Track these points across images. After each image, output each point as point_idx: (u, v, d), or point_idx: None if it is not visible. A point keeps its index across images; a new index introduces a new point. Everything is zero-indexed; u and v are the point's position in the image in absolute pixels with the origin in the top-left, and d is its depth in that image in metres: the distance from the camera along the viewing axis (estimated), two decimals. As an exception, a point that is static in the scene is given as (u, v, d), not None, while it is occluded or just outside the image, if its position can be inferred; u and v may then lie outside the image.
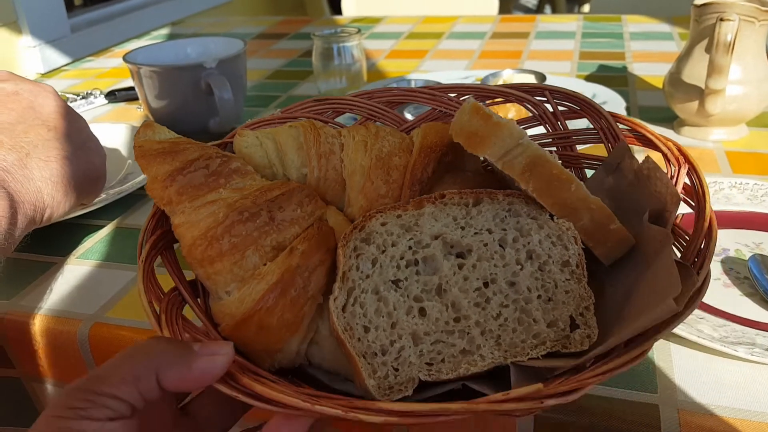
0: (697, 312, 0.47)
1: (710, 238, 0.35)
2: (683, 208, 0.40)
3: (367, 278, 0.36)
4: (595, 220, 0.39)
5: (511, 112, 0.73)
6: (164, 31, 1.57)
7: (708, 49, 0.70)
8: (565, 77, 0.97)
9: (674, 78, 0.75)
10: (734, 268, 0.53)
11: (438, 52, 1.22)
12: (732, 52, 0.66)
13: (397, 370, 0.35)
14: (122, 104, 1.04)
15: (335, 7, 2.59)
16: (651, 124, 0.80)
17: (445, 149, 0.44)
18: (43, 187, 0.53)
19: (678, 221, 0.39)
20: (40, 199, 0.53)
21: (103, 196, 0.67)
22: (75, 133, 0.58)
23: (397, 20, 1.49)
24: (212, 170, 0.40)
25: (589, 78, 0.99)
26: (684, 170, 0.40)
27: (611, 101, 0.86)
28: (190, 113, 0.84)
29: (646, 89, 0.94)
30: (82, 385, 0.30)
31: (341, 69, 0.93)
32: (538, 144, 0.40)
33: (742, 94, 0.71)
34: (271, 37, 1.44)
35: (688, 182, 0.41)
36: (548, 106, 0.49)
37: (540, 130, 0.50)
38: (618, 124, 0.46)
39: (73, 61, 1.41)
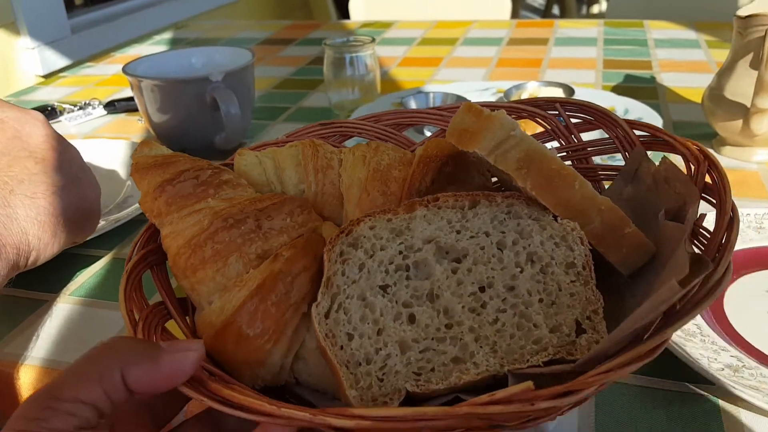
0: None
1: (731, 231, 0.32)
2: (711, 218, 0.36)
3: (353, 284, 0.34)
4: (606, 222, 0.35)
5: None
6: (167, 35, 1.48)
7: (754, 64, 0.66)
8: (591, 89, 0.93)
9: (715, 94, 0.71)
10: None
11: (453, 59, 1.17)
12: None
13: (381, 380, 0.31)
14: (122, 115, 0.97)
15: (340, 5, 2.42)
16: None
17: (445, 159, 0.42)
18: (29, 227, 0.48)
19: (701, 222, 0.35)
20: (25, 241, 0.48)
21: (102, 222, 0.61)
22: (66, 165, 0.52)
23: (409, 25, 1.44)
24: (202, 180, 0.39)
25: (617, 89, 0.94)
26: (704, 167, 0.37)
27: (647, 118, 0.78)
28: (195, 128, 0.79)
29: (678, 102, 0.89)
30: (44, 392, 0.28)
31: (354, 79, 0.88)
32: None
33: (791, 113, 0.66)
34: (278, 42, 1.37)
35: (709, 181, 0.37)
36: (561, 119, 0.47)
37: (554, 145, 0.48)
38: (633, 130, 0.43)
39: (72, 64, 1.33)
